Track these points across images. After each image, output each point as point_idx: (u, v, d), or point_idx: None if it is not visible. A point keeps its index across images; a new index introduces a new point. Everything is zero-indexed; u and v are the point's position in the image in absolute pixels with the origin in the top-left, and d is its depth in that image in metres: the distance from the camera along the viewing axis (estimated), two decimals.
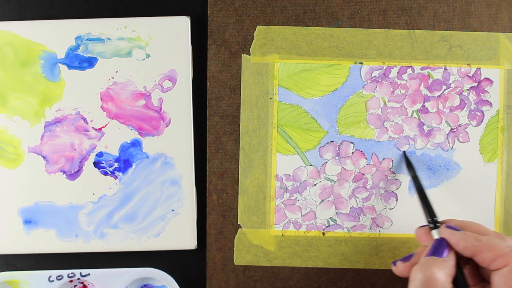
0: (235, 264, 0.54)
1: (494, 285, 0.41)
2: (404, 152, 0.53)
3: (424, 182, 0.53)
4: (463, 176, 0.54)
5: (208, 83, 0.54)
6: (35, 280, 0.53)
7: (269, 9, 0.53)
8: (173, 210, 0.53)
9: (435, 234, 0.46)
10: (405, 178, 0.54)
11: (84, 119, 0.53)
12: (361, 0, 0.53)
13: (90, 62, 0.53)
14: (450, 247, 0.44)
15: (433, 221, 0.47)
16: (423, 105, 0.54)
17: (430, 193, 0.53)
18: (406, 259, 0.47)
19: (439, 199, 0.53)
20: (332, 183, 0.54)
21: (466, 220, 0.46)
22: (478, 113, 0.54)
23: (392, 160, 0.54)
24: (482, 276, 0.45)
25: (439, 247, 0.44)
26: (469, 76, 0.54)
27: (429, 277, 0.41)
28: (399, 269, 0.47)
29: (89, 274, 0.53)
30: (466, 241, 0.43)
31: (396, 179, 0.54)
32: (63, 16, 0.54)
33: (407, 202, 0.54)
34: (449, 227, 0.45)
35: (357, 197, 0.54)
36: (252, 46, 0.53)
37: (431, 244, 0.45)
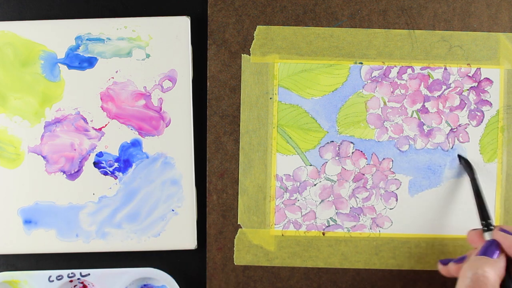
0: (235, 264, 0.54)
1: None
2: (459, 155, 0.53)
3: (424, 182, 0.53)
4: (463, 177, 0.54)
5: (208, 83, 0.54)
6: (35, 280, 0.53)
7: (269, 9, 0.53)
8: (173, 210, 0.53)
9: (487, 237, 0.46)
10: (405, 178, 0.54)
11: (84, 119, 0.53)
12: (361, 0, 0.53)
13: (90, 62, 0.53)
14: (501, 249, 0.44)
15: (487, 224, 0.47)
16: (423, 105, 0.54)
17: (429, 193, 0.53)
18: (459, 260, 0.46)
19: (439, 199, 0.53)
20: (332, 183, 0.54)
21: None
22: (478, 113, 0.54)
23: (392, 160, 0.54)
24: None
25: (490, 248, 0.44)
26: (469, 76, 0.54)
27: (479, 275, 0.41)
28: (451, 269, 0.46)
29: (89, 274, 0.53)
30: None
31: (396, 179, 0.54)
32: (63, 16, 0.54)
33: (407, 202, 0.54)
34: (503, 230, 0.45)
35: (357, 197, 0.54)
36: (252, 46, 0.53)
37: (482, 245, 0.45)
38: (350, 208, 0.54)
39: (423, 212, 0.53)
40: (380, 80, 0.54)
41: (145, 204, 0.53)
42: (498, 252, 0.44)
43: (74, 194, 0.53)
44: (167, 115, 0.53)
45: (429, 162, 0.54)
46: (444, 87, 0.54)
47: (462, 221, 0.53)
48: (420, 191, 0.54)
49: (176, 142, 0.53)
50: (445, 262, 0.48)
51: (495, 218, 0.53)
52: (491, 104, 0.54)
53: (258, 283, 0.54)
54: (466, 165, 0.52)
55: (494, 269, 0.42)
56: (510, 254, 0.43)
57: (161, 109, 0.53)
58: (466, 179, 0.53)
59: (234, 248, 0.54)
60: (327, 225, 0.54)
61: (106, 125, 0.53)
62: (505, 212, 0.53)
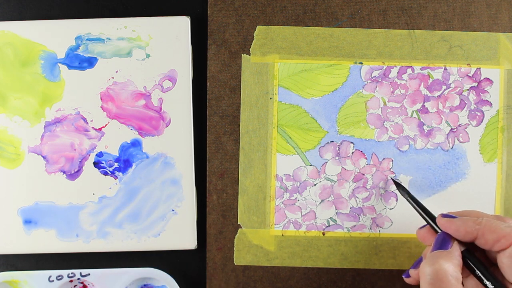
0: (235, 264, 0.54)
1: (501, 266, 0.41)
2: (391, 179, 0.53)
3: (424, 182, 0.53)
4: (463, 176, 0.54)
5: (208, 83, 0.54)
6: (35, 280, 0.53)
7: (269, 9, 0.53)
8: (173, 210, 0.53)
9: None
10: (405, 178, 0.54)
11: (84, 119, 0.53)
12: (361, 0, 0.53)
13: (90, 62, 0.53)
14: (452, 238, 0.44)
15: (433, 221, 0.47)
16: (423, 105, 0.54)
17: (429, 194, 0.53)
18: (417, 264, 0.46)
19: (439, 199, 0.53)
20: (332, 183, 0.54)
21: (462, 210, 0.46)
22: (478, 113, 0.54)
23: (392, 160, 0.54)
24: (490, 260, 0.45)
25: (442, 240, 0.44)
26: (469, 76, 0.54)
27: (437, 269, 0.41)
28: (413, 276, 0.47)
29: (89, 274, 0.53)
30: (466, 225, 0.43)
31: (396, 179, 0.54)
32: (63, 16, 0.54)
33: (407, 202, 0.54)
34: (444, 215, 0.45)
35: (357, 197, 0.54)
36: (252, 46, 0.53)
37: (435, 240, 0.45)
38: (350, 208, 0.54)
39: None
40: (380, 80, 0.54)
41: (145, 204, 0.53)
42: (450, 242, 0.44)
43: (74, 194, 0.53)
44: (167, 115, 0.53)
45: (429, 162, 0.54)
46: (444, 87, 0.54)
47: None
48: (420, 191, 0.54)
49: (176, 142, 0.53)
50: (407, 275, 0.48)
51: None
52: (491, 104, 0.54)
53: (258, 283, 0.54)
54: (398, 187, 0.52)
55: (450, 260, 0.42)
56: (460, 238, 0.43)
57: (161, 109, 0.53)
58: (466, 179, 0.53)
59: (234, 248, 0.54)
60: (327, 225, 0.54)
61: (106, 125, 0.53)
62: (505, 212, 0.53)
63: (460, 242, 0.44)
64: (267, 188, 0.54)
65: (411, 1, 0.53)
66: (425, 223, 0.48)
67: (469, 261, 0.43)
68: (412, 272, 0.47)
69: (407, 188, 0.52)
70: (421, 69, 0.54)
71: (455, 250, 0.43)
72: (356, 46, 0.53)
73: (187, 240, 0.53)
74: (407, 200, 0.50)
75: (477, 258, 0.43)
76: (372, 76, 0.54)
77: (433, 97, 0.54)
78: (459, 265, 0.42)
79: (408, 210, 0.54)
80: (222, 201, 0.54)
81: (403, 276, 0.48)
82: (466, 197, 0.53)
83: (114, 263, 0.55)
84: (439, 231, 0.46)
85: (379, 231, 0.54)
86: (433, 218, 0.47)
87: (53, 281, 0.53)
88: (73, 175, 0.53)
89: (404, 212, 0.54)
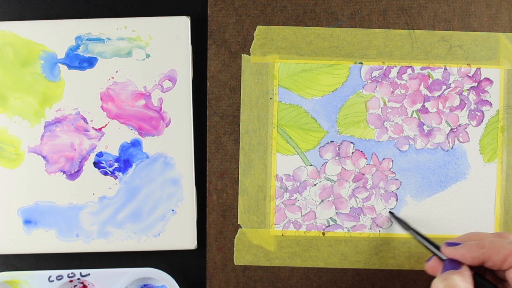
0: (235, 264, 0.54)
1: (511, 283, 0.42)
2: (390, 212, 0.53)
3: (424, 182, 0.53)
4: (463, 176, 0.54)
5: (208, 83, 0.54)
6: (35, 280, 0.53)
7: (269, 9, 0.53)
8: (173, 210, 0.53)
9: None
10: (405, 178, 0.54)
11: (84, 119, 0.53)
12: (361, 0, 0.53)
13: (90, 62, 0.53)
14: (459, 264, 0.44)
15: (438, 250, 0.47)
16: (423, 105, 0.54)
17: (429, 194, 0.53)
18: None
19: (439, 199, 0.53)
20: (332, 183, 0.54)
21: (466, 234, 0.46)
22: (478, 113, 0.54)
23: (392, 160, 0.54)
24: (499, 277, 0.45)
25: (451, 264, 0.44)
26: (469, 76, 0.54)
27: (450, 284, 0.41)
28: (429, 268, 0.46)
29: (89, 274, 0.53)
30: (471, 251, 0.43)
31: (396, 179, 0.54)
32: (63, 16, 0.54)
33: (406, 202, 0.54)
34: (448, 244, 0.45)
35: (357, 197, 0.54)
36: (252, 46, 0.53)
37: (444, 264, 0.44)
38: (350, 208, 0.54)
39: (423, 212, 0.53)
40: (380, 80, 0.54)
41: (145, 204, 0.53)
42: (459, 265, 0.44)
43: (74, 194, 0.53)
44: (167, 115, 0.53)
45: (429, 162, 0.54)
46: (444, 87, 0.54)
47: (462, 220, 0.53)
48: (420, 191, 0.54)
49: (176, 142, 0.53)
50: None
51: (495, 218, 0.53)
52: (491, 104, 0.54)
53: (258, 283, 0.54)
54: (399, 222, 0.52)
55: (463, 277, 0.42)
56: (468, 263, 0.43)
57: (161, 109, 0.53)
58: (466, 179, 0.53)
59: (234, 248, 0.54)
60: (327, 225, 0.54)
61: (106, 125, 0.53)
62: (505, 212, 0.53)
63: (469, 267, 0.44)
64: (267, 188, 0.54)
65: (411, 1, 0.53)
66: (431, 256, 0.47)
67: (480, 282, 0.43)
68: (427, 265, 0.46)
69: (405, 221, 0.52)
70: (421, 69, 0.54)
71: (466, 270, 0.43)
72: (356, 46, 0.53)
73: (187, 240, 0.53)
74: (410, 233, 0.50)
75: (487, 280, 0.43)
76: (372, 76, 0.54)
77: (433, 97, 0.54)
78: (471, 283, 0.42)
79: (408, 210, 0.54)
80: (222, 201, 0.54)
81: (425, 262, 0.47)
82: (466, 197, 0.53)
83: (114, 263, 0.55)
84: (446, 258, 0.45)
85: (379, 231, 0.54)
86: (437, 247, 0.47)
87: (53, 281, 0.53)
88: (73, 175, 0.53)
89: (404, 212, 0.54)
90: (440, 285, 0.42)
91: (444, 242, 0.45)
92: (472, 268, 0.44)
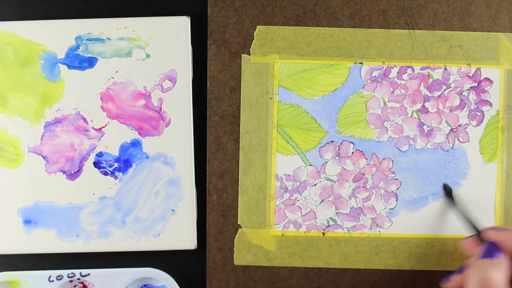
0: (235, 264, 0.54)
1: None
2: (445, 184, 0.53)
3: (424, 182, 0.53)
4: (463, 176, 0.54)
5: (208, 83, 0.54)
6: (35, 280, 0.53)
7: (269, 9, 0.53)
8: (173, 210, 0.53)
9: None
10: (405, 178, 0.54)
11: (84, 119, 0.53)
12: (361, 0, 0.53)
13: (90, 62, 0.53)
14: (500, 250, 0.43)
15: (478, 233, 0.46)
16: (423, 105, 0.54)
17: (429, 194, 0.53)
18: (460, 271, 0.46)
19: (439, 199, 0.53)
20: (332, 183, 0.54)
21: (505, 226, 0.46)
22: (478, 113, 0.54)
23: (392, 160, 0.54)
24: None
25: (490, 249, 0.43)
26: (469, 76, 0.54)
27: (485, 279, 0.40)
28: (455, 282, 0.46)
29: (89, 274, 0.53)
30: None
31: (396, 179, 0.54)
32: (63, 16, 0.54)
33: (407, 202, 0.54)
34: (492, 228, 0.45)
35: (357, 197, 0.54)
36: (252, 46, 0.53)
37: (482, 249, 0.44)
38: (350, 208, 0.54)
39: (423, 212, 0.53)
40: (380, 80, 0.54)
41: (145, 204, 0.53)
42: (498, 252, 0.43)
43: (74, 194, 0.53)
44: (167, 115, 0.53)
45: (429, 162, 0.54)
46: (444, 87, 0.54)
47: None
48: (420, 191, 0.54)
49: (176, 142, 0.53)
50: (446, 279, 0.47)
51: (495, 218, 0.53)
52: (491, 104, 0.54)
53: (258, 283, 0.54)
54: (448, 196, 0.52)
55: (499, 271, 0.41)
56: (509, 247, 0.43)
57: (161, 109, 0.53)
58: (466, 179, 0.53)
59: (234, 248, 0.54)
60: (327, 225, 0.54)
61: (106, 125, 0.53)
62: (505, 212, 0.53)
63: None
64: (267, 188, 0.54)
65: (411, 1, 0.53)
66: (467, 234, 0.47)
67: None
68: (455, 277, 0.46)
69: (456, 197, 0.52)
70: (421, 69, 0.54)
71: (504, 261, 0.42)
72: (356, 46, 0.53)
73: (187, 240, 0.53)
74: (456, 210, 0.50)
75: None
76: (372, 76, 0.54)
77: (433, 97, 0.54)
78: (508, 276, 0.42)
79: (408, 210, 0.54)
80: (222, 201, 0.54)
81: (443, 281, 0.47)
82: (466, 197, 0.53)
83: (114, 263, 0.55)
84: (486, 240, 0.45)
85: (379, 231, 0.54)
86: (478, 227, 0.46)
87: (53, 281, 0.53)
88: (73, 175, 0.53)
89: (404, 212, 0.54)
90: (475, 277, 0.41)
91: (490, 227, 0.45)
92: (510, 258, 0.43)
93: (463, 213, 0.49)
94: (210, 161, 0.54)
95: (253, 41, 0.53)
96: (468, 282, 0.41)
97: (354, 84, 0.54)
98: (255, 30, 0.53)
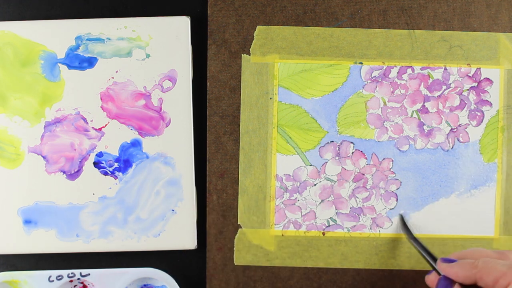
0: (235, 264, 0.54)
1: None
2: (400, 215, 0.53)
3: (424, 182, 0.53)
4: (463, 177, 0.54)
5: (208, 83, 0.54)
6: (35, 280, 0.53)
7: (269, 9, 0.53)
8: (173, 210, 0.53)
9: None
10: (405, 178, 0.54)
11: (84, 119, 0.53)
12: (361, 0, 0.53)
13: (90, 62, 0.53)
14: (453, 282, 0.44)
15: (434, 265, 0.47)
16: (423, 105, 0.54)
17: (429, 193, 0.53)
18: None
19: (439, 199, 0.53)
20: (332, 183, 0.54)
21: (468, 249, 0.46)
22: (478, 113, 0.54)
23: (392, 160, 0.54)
24: None
25: (445, 281, 0.44)
26: (469, 76, 0.54)
27: None
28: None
29: (89, 274, 0.53)
30: (464, 270, 0.43)
31: (396, 179, 0.54)
32: (63, 16, 0.54)
33: (406, 202, 0.54)
34: (444, 260, 0.45)
35: (357, 197, 0.54)
36: (252, 46, 0.53)
37: (437, 284, 0.45)
38: (350, 208, 0.54)
39: (423, 212, 0.53)
40: (380, 80, 0.54)
41: (145, 204, 0.53)
42: (450, 285, 0.44)
43: (74, 194, 0.53)
44: (167, 115, 0.53)
45: (429, 162, 0.54)
46: (444, 87, 0.54)
47: (462, 220, 0.53)
48: (420, 191, 0.54)
49: (176, 142, 0.53)
50: None
51: (495, 218, 0.53)
52: (491, 104, 0.54)
53: (258, 283, 0.54)
54: (403, 227, 0.52)
55: None
56: (461, 281, 0.43)
57: (161, 109, 0.53)
58: (466, 179, 0.53)
59: (234, 248, 0.54)
60: (327, 225, 0.54)
61: (106, 125, 0.53)
62: (505, 212, 0.53)
63: (463, 285, 0.44)
64: (267, 188, 0.54)
65: (411, 1, 0.53)
66: (431, 269, 0.47)
67: None
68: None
69: (410, 229, 0.52)
70: (421, 69, 0.54)
71: None
72: (356, 46, 0.53)
73: (187, 240, 0.53)
74: (410, 242, 0.50)
75: None
76: (372, 76, 0.54)
77: (433, 97, 0.54)
78: None
79: (408, 210, 0.54)
80: (222, 201, 0.54)
81: None
82: (466, 197, 0.53)
83: (114, 263, 0.55)
84: (441, 274, 0.45)
85: (379, 231, 0.54)
86: (436, 261, 0.47)
87: (53, 281, 0.53)
88: (73, 175, 0.53)
89: (404, 212, 0.54)
90: None
91: (440, 258, 0.45)
92: (466, 286, 0.44)
93: (418, 244, 0.49)
94: (210, 161, 0.54)
95: (253, 41, 0.53)
96: None
97: (354, 84, 0.54)
98: (255, 30, 0.53)
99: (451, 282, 0.44)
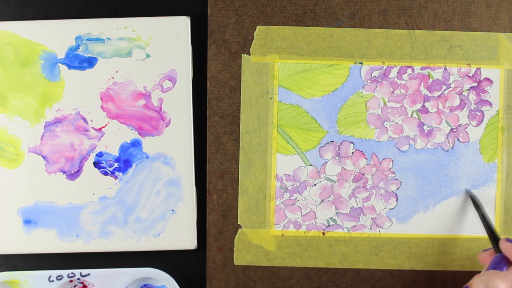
0: (235, 264, 0.54)
1: None
2: (469, 192, 0.53)
3: (424, 182, 0.53)
4: (463, 177, 0.54)
5: (208, 83, 0.54)
6: (35, 280, 0.53)
7: (269, 9, 0.53)
8: (173, 210, 0.53)
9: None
10: (405, 178, 0.54)
11: (84, 119, 0.53)
12: (361, 0, 0.53)
13: (90, 62, 0.53)
14: (509, 263, 0.44)
15: (497, 245, 0.47)
16: (423, 105, 0.54)
17: (429, 194, 0.53)
18: None
19: (439, 199, 0.53)
20: (332, 183, 0.54)
21: None
22: (478, 113, 0.54)
23: (392, 160, 0.54)
24: None
25: (499, 262, 0.44)
26: (469, 76, 0.54)
27: (491, 287, 0.41)
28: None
29: (89, 274, 0.53)
30: None
31: (396, 179, 0.54)
32: (63, 16, 0.54)
33: (406, 202, 0.54)
34: (508, 240, 0.45)
35: (357, 197, 0.54)
36: (252, 46, 0.53)
37: (492, 260, 0.45)
38: (350, 208, 0.54)
39: (423, 212, 0.53)
40: (380, 80, 0.54)
41: (145, 204, 0.53)
42: (506, 265, 0.44)
43: (74, 194, 0.53)
44: (167, 115, 0.53)
45: (429, 162, 0.54)
46: (444, 87, 0.54)
47: (462, 221, 0.53)
48: (420, 191, 0.54)
49: (176, 142, 0.53)
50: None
51: (495, 218, 0.53)
52: (491, 104, 0.54)
53: (258, 283, 0.54)
54: (474, 203, 0.52)
55: (505, 281, 0.42)
56: None
57: (161, 109, 0.53)
58: (466, 179, 0.53)
59: (234, 248, 0.54)
60: (327, 225, 0.54)
61: (106, 125, 0.53)
62: (505, 212, 0.53)
63: None
64: (267, 188, 0.54)
65: (411, 1, 0.53)
66: (483, 245, 0.47)
67: None
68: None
69: (482, 206, 0.52)
70: (421, 69, 0.54)
71: (511, 273, 0.43)
72: (356, 46, 0.53)
73: (187, 240, 0.53)
74: (480, 218, 0.50)
75: None
76: (372, 76, 0.54)
77: (433, 97, 0.54)
78: None
79: (408, 210, 0.54)
80: (222, 201, 0.54)
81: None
82: (466, 197, 0.53)
83: (114, 263, 0.55)
84: (498, 252, 0.46)
85: (379, 231, 0.54)
86: (497, 239, 0.47)
87: (53, 281, 0.53)
88: (73, 175, 0.53)
89: (404, 213, 0.54)
90: (480, 285, 0.42)
91: (504, 237, 0.46)
92: None
93: (484, 221, 0.49)
94: (210, 161, 0.54)
95: (253, 41, 0.53)
96: None
97: (354, 84, 0.54)
98: (255, 30, 0.53)
99: (507, 262, 0.44)
